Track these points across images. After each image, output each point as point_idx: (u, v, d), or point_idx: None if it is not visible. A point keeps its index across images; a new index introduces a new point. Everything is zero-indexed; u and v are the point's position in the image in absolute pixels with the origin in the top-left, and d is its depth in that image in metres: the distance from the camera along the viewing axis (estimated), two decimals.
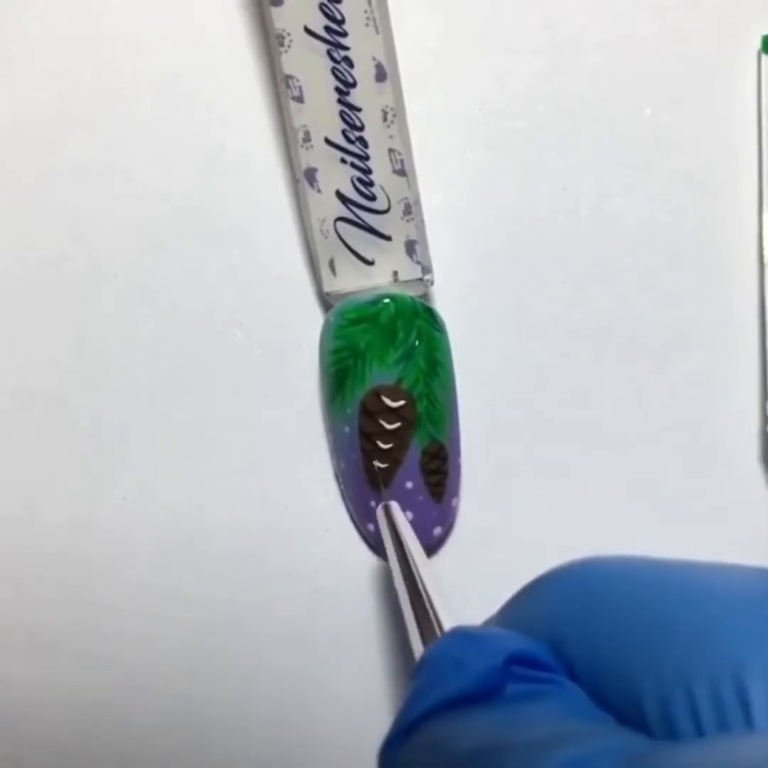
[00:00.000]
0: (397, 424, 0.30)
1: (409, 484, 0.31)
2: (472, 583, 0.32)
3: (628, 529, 0.32)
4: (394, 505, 0.29)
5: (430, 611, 0.22)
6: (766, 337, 0.32)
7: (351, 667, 0.33)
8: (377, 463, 0.30)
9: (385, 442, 0.30)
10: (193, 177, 0.32)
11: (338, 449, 0.31)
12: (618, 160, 0.33)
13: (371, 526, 0.31)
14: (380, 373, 0.30)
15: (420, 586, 0.23)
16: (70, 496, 0.32)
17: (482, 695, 0.16)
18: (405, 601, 0.23)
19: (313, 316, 0.32)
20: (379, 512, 0.29)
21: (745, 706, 0.14)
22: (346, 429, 0.30)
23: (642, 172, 0.33)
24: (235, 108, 0.32)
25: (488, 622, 0.20)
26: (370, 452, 0.30)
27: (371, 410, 0.30)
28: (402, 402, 0.30)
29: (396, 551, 0.26)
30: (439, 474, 0.31)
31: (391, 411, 0.30)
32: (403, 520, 0.28)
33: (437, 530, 0.31)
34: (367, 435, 0.30)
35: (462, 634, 0.18)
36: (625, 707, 0.16)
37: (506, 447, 0.33)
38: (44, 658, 0.32)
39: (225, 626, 0.33)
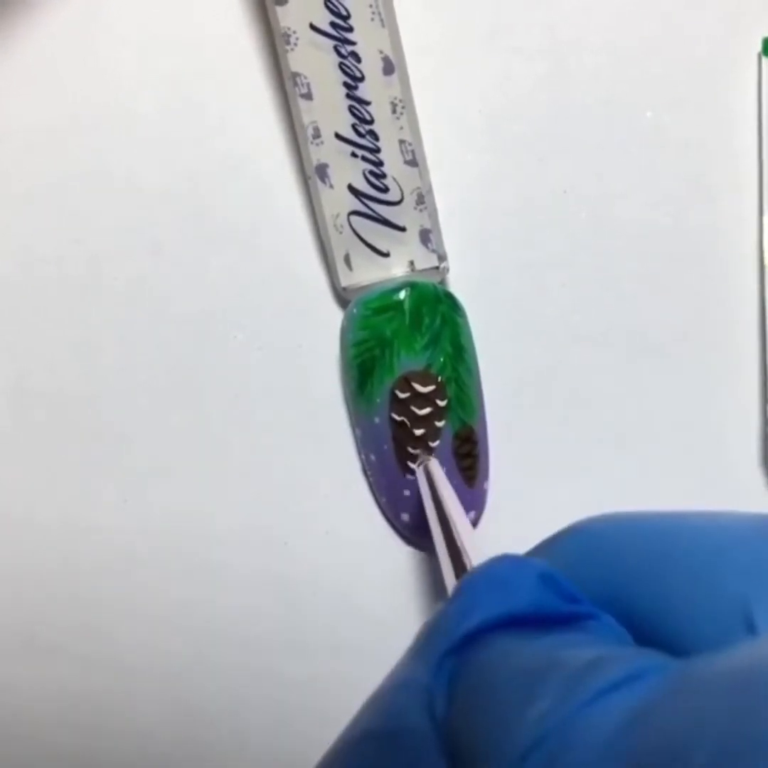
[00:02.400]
0: (429, 409, 0.30)
1: (442, 470, 0.31)
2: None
3: None
4: (435, 463, 0.29)
5: (464, 555, 0.23)
6: (766, 339, 0.33)
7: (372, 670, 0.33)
8: (410, 450, 0.30)
9: (417, 428, 0.30)
10: (198, 179, 0.32)
11: (367, 442, 0.31)
12: (619, 163, 0.33)
13: (405, 517, 0.31)
14: (409, 360, 0.30)
15: (458, 543, 0.23)
16: (70, 499, 0.32)
17: (531, 617, 0.17)
18: (444, 557, 0.24)
19: (324, 314, 0.33)
20: (419, 472, 0.29)
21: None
22: (376, 419, 0.30)
23: (643, 174, 0.33)
24: (240, 108, 0.32)
25: None
26: (402, 440, 0.30)
27: (402, 397, 0.30)
28: (432, 387, 0.30)
29: (436, 510, 0.26)
30: (470, 458, 0.31)
31: (422, 396, 0.30)
32: (442, 478, 0.28)
33: (471, 514, 0.31)
34: (399, 423, 0.30)
35: (507, 559, 0.18)
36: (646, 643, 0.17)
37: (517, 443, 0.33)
38: (44, 660, 0.32)
39: (226, 630, 0.33)
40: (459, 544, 0.23)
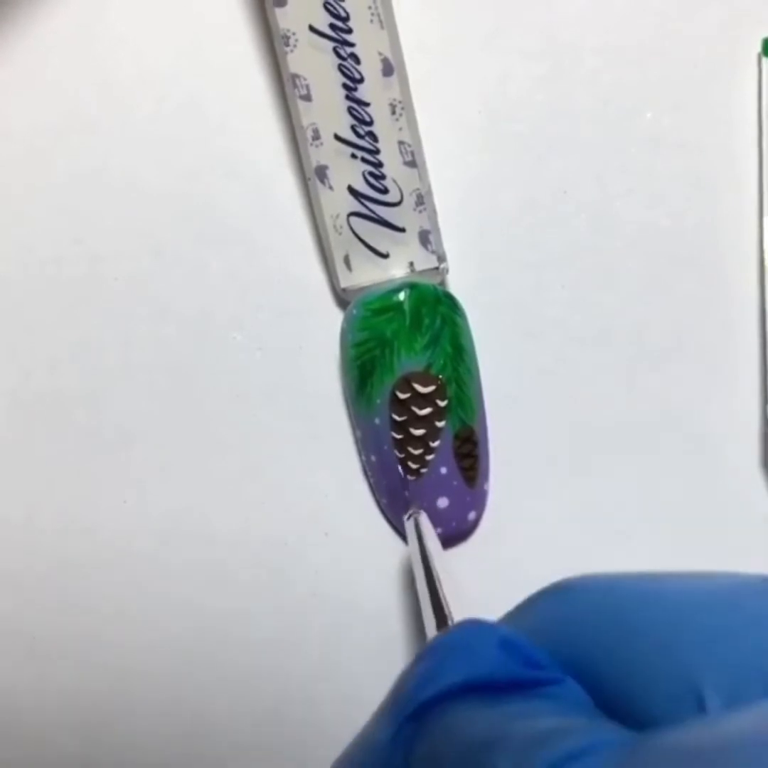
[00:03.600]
0: (429, 410, 0.30)
1: (443, 470, 0.31)
2: (492, 574, 0.32)
3: (629, 532, 0.33)
4: (424, 517, 0.29)
5: (446, 609, 0.23)
6: (766, 341, 0.33)
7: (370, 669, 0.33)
8: (411, 450, 0.30)
9: (417, 429, 0.30)
10: (195, 180, 0.32)
11: (367, 443, 0.31)
12: (618, 164, 0.33)
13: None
14: (409, 360, 0.30)
15: (441, 597, 0.24)
16: (70, 500, 0.32)
17: (491, 683, 0.17)
18: (427, 609, 0.24)
19: (323, 315, 0.33)
20: (408, 524, 0.29)
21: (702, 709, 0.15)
22: (376, 420, 0.31)
23: (642, 175, 0.33)
24: (241, 108, 0.32)
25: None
26: (402, 441, 0.30)
27: (402, 398, 0.30)
28: (432, 387, 0.30)
29: (422, 562, 0.26)
30: (471, 458, 0.31)
31: (422, 397, 0.30)
32: (431, 531, 0.28)
33: (472, 515, 0.32)
34: (399, 423, 0.30)
35: (472, 624, 0.18)
36: (609, 708, 0.17)
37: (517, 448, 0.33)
38: (44, 663, 0.32)
39: (226, 632, 0.33)
40: (441, 598, 0.24)
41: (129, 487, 0.32)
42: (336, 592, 0.33)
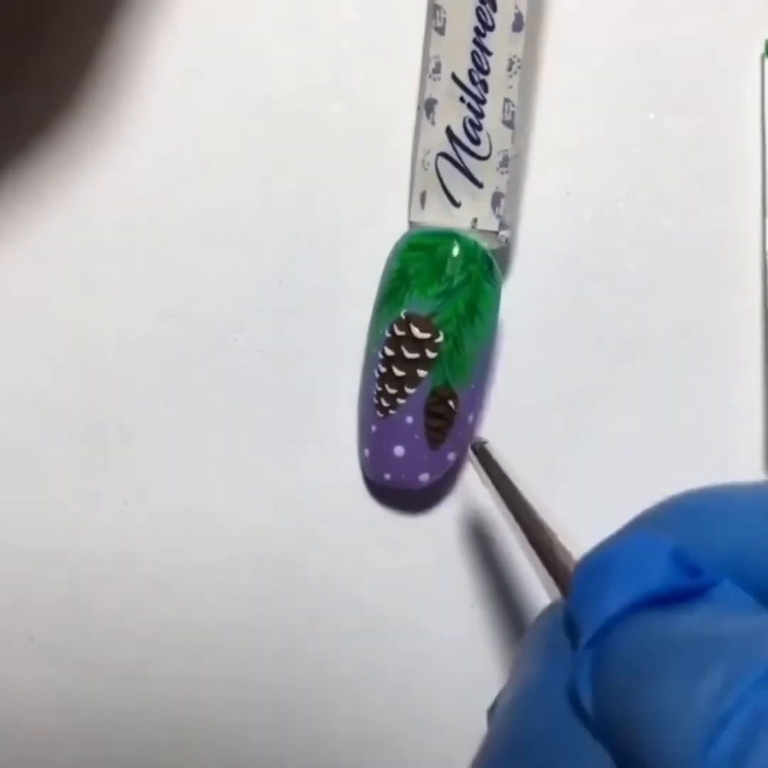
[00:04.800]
0: (416, 355, 0.30)
1: (409, 419, 0.30)
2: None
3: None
4: (490, 447, 0.28)
5: (548, 532, 0.22)
6: None
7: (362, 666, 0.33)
8: (387, 388, 0.30)
9: (400, 370, 0.30)
10: (191, 179, 0.33)
11: (364, 370, 0.32)
12: (621, 165, 0.32)
13: (367, 452, 0.31)
14: (417, 302, 0.30)
15: (540, 522, 0.23)
16: (70, 500, 0.33)
17: (665, 594, 0.17)
18: (523, 539, 0.23)
19: (322, 316, 0.33)
20: (471, 453, 0.28)
21: None
22: (373, 349, 0.31)
23: (645, 176, 0.32)
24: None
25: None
26: (383, 376, 0.30)
27: (398, 335, 0.30)
28: (428, 335, 0.30)
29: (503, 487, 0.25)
30: (442, 419, 0.30)
31: (415, 340, 0.30)
32: (504, 461, 0.27)
33: (424, 476, 0.31)
34: (388, 359, 0.30)
35: (636, 537, 0.18)
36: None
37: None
38: (44, 662, 0.33)
39: (227, 631, 0.33)
40: (541, 523, 0.23)
41: (130, 488, 0.33)
42: (339, 593, 0.33)
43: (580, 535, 0.30)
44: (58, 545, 0.33)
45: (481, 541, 0.32)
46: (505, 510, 0.24)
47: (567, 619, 0.18)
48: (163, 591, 0.33)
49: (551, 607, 0.20)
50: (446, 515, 0.33)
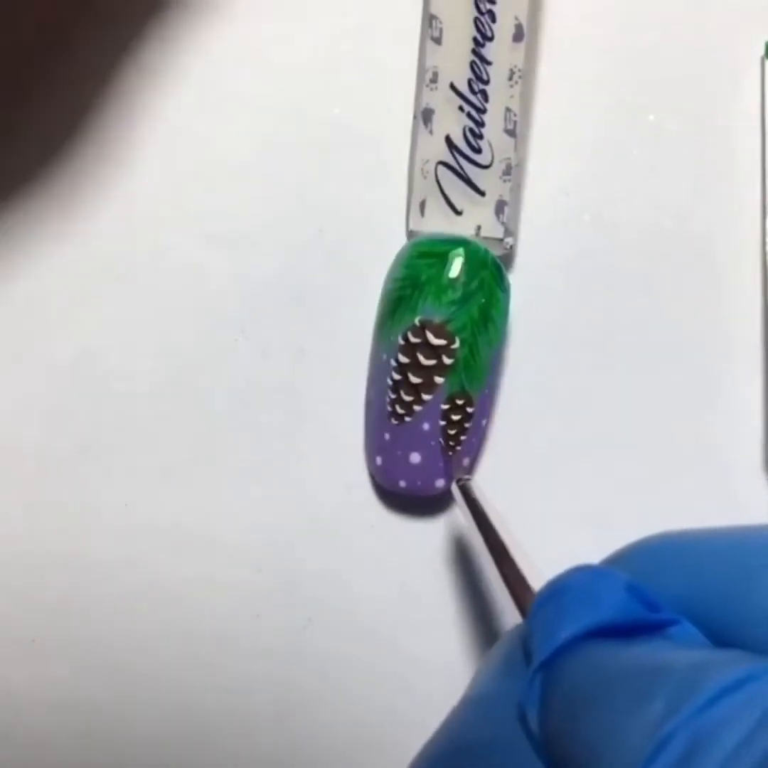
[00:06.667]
0: (433, 362, 0.30)
1: (426, 426, 0.30)
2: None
3: (629, 535, 0.31)
4: (475, 484, 0.28)
5: (516, 564, 0.23)
6: None
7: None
8: (403, 395, 0.30)
9: (415, 376, 0.30)
10: (193, 181, 0.33)
11: (372, 377, 0.31)
12: (621, 166, 0.33)
13: (379, 460, 0.31)
14: (432, 309, 0.30)
15: (511, 555, 0.23)
16: (71, 502, 0.32)
17: (618, 626, 0.17)
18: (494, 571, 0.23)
19: (316, 318, 0.33)
20: (455, 490, 0.28)
21: None
22: (384, 356, 0.31)
23: (645, 177, 0.33)
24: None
25: None
26: (398, 383, 0.30)
27: (412, 342, 0.30)
28: (443, 341, 0.30)
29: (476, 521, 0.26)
30: (458, 426, 0.30)
31: (431, 347, 0.30)
32: (483, 494, 0.27)
33: (440, 482, 0.31)
34: (402, 366, 0.30)
35: (590, 569, 0.19)
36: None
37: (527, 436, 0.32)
38: (44, 664, 0.33)
39: (228, 634, 0.33)
40: (513, 559, 0.23)
41: (130, 489, 0.33)
42: (339, 594, 0.33)
43: (580, 535, 0.32)
44: (59, 547, 0.32)
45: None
46: (481, 544, 0.25)
47: (524, 642, 0.19)
48: (163, 592, 0.32)
49: (517, 628, 0.21)
50: (449, 517, 0.33)
